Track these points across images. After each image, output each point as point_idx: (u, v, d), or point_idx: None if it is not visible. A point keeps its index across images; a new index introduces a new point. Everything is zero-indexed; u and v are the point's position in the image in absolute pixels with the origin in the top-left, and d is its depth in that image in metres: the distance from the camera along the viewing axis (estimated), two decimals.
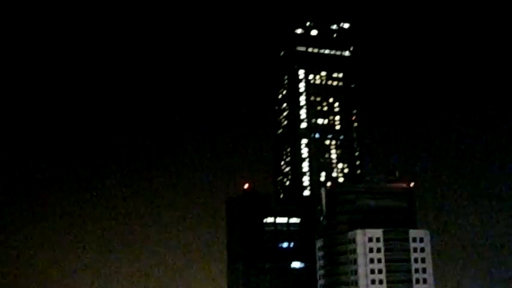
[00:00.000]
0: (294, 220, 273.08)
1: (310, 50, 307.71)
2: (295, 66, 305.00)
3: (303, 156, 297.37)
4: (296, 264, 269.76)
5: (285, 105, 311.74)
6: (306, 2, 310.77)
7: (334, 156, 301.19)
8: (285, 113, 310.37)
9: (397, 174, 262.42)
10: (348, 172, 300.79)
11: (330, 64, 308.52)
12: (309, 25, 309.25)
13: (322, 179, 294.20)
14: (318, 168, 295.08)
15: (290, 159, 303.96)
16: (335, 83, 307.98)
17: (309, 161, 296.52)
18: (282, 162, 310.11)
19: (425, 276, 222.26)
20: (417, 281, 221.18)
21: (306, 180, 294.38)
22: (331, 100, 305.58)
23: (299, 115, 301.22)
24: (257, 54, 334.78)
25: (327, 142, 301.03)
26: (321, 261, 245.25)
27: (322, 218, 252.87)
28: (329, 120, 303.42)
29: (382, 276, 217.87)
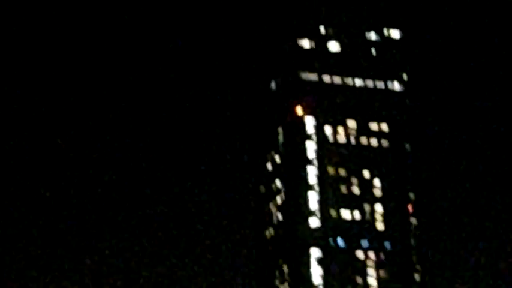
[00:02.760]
0: None
1: (325, 79, 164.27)
2: (298, 111, 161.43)
3: (313, 283, 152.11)
4: None
5: (278, 183, 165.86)
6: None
7: (373, 282, 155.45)
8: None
9: None
10: None
11: (365, 106, 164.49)
12: (324, 33, 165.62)
13: None
14: None
15: None
16: (374, 142, 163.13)
17: None
18: None
19: None
20: None
21: None
22: (366, 175, 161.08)
23: (305, 200, 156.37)
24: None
25: (359, 255, 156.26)
26: None
27: None
28: (362, 213, 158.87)
29: None
